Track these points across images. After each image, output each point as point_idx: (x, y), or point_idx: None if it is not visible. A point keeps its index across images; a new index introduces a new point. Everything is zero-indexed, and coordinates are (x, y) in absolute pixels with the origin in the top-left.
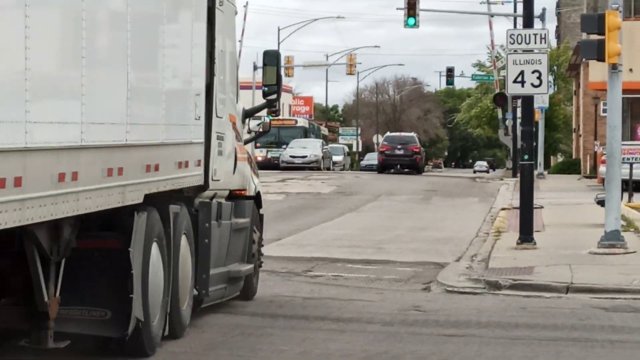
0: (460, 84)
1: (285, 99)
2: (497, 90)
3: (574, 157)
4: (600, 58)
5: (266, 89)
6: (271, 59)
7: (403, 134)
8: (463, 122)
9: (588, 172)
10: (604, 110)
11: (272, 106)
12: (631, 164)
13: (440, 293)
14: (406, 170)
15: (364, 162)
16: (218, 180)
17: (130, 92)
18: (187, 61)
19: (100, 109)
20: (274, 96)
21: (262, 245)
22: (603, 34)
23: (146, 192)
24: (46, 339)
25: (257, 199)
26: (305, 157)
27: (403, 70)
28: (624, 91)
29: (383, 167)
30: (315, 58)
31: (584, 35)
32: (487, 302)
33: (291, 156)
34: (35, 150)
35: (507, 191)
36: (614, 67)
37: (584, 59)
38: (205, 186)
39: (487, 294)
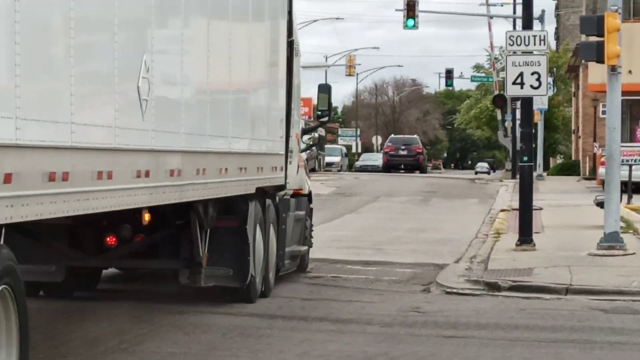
0: (459, 85)
1: None
2: (497, 92)
3: (573, 158)
4: (600, 60)
5: (319, 112)
6: (324, 89)
7: (406, 136)
8: (463, 124)
9: (587, 173)
10: (603, 112)
11: (323, 125)
12: (630, 166)
13: (439, 294)
14: (406, 168)
15: (359, 163)
16: (289, 182)
17: (253, 118)
18: (277, 98)
19: (240, 129)
20: (325, 119)
21: (312, 232)
22: (602, 35)
23: (257, 186)
24: (200, 280)
25: (309, 196)
26: None
27: (402, 71)
28: (623, 93)
29: (388, 167)
30: (315, 59)
31: (583, 37)
32: (486, 304)
33: None
34: (210, 153)
35: (507, 192)
36: (613, 69)
37: (583, 61)
38: (284, 186)
39: (486, 295)
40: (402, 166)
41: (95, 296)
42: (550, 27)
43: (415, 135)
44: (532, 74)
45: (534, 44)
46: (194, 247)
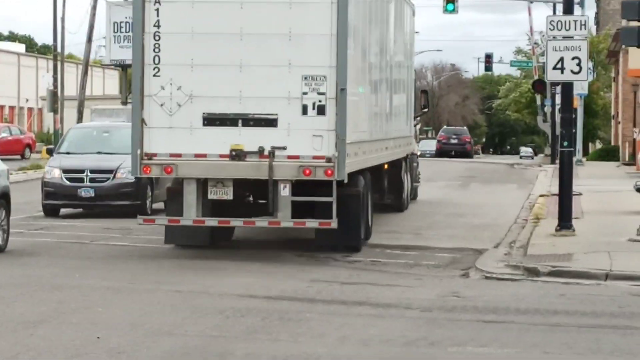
0: (498, 70)
1: None
2: (536, 77)
3: (612, 144)
4: None
5: (422, 106)
6: (425, 92)
7: (457, 127)
8: (502, 107)
9: (627, 159)
10: None
11: (423, 115)
12: None
13: (478, 279)
14: (456, 155)
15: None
16: (413, 149)
17: (404, 120)
18: (410, 108)
19: (399, 125)
20: (425, 110)
21: (419, 173)
22: None
23: (407, 152)
24: (403, 204)
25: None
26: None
27: (441, 56)
28: None
29: (440, 154)
30: None
31: (624, 22)
32: (526, 289)
33: None
34: (397, 138)
35: (546, 178)
36: None
37: (623, 46)
38: (413, 151)
39: (525, 280)
40: (453, 153)
41: (134, 280)
42: (591, 12)
43: (464, 127)
44: (573, 59)
45: (575, 29)
46: (399, 187)
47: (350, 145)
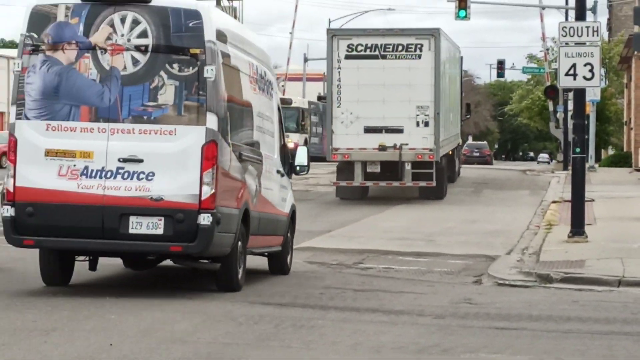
0: (510, 76)
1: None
2: (548, 83)
3: (625, 150)
4: None
5: (465, 113)
6: (468, 104)
7: (479, 142)
8: (514, 113)
9: (639, 165)
10: None
11: (466, 119)
12: None
13: (491, 286)
14: (479, 164)
15: None
16: (459, 141)
17: (454, 121)
18: (459, 112)
19: (455, 128)
20: (468, 116)
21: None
22: None
23: (457, 144)
24: (455, 178)
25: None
26: None
27: None
28: None
29: (465, 163)
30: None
31: (637, 28)
32: (539, 295)
33: None
34: (453, 136)
35: (558, 184)
36: None
37: (635, 52)
38: (459, 143)
39: (538, 287)
40: (475, 163)
41: (148, 286)
42: (603, 18)
43: (484, 142)
44: (585, 65)
45: (587, 35)
46: (454, 162)
47: (440, 142)
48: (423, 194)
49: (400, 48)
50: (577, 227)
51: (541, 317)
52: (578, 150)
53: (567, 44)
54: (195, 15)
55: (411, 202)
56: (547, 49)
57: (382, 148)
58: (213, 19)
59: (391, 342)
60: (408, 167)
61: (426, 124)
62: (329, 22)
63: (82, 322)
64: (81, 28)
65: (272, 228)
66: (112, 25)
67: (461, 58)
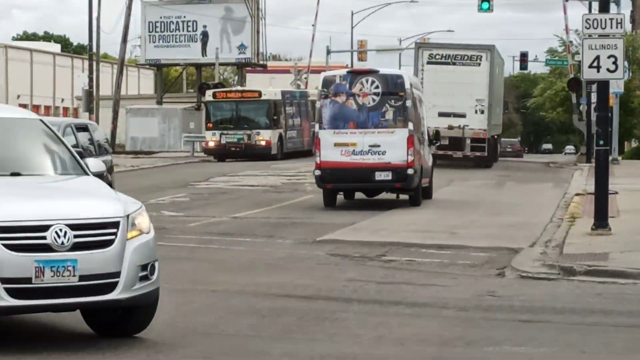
0: (534, 68)
1: None
2: (571, 75)
3: None
4: None
5: (504, 107)
6: (506, 101)
7: (511, 139)
8: (536, 106)
9: None
10: None
11: (505, 113)
12: None
13: (514, 278)
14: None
15: None
16: (500, 130)
17: (500, 113)
18: (502, 106)
19: (499, 117)
20: (506, 110)
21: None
22: None
23: (499, 133)
24: (496, 160)
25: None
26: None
27: None
28: None
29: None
30: (389, 42)
31: None
32: (562, 288)
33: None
34: (493, 125)
35: (581, 177)
36: None
37: None
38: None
39: (561, 279)
40: (509, 157)
41: (169, 280)
42: (627, 10)
43: (516, 139)
44: (609, 57)
45: (611, 27)
46: (497, 145)
47: (491, 125)
48: (477, 162)
49: (465, 57)
50: (601, 219)
51: (565, 309)
52: (601, 142)
53: (590, 36)
54: (400, 76)
55: (433, 196)
56: (570, 41)
57: (450, 127)
58: (408, 77)
59: (414, 334)
60: (468, 142)
61: (482, 112)
62: (352, 14)
63: None
64: (347, 85)
65: (426, 174)
66: (362, 83)
67: (504, 68)
